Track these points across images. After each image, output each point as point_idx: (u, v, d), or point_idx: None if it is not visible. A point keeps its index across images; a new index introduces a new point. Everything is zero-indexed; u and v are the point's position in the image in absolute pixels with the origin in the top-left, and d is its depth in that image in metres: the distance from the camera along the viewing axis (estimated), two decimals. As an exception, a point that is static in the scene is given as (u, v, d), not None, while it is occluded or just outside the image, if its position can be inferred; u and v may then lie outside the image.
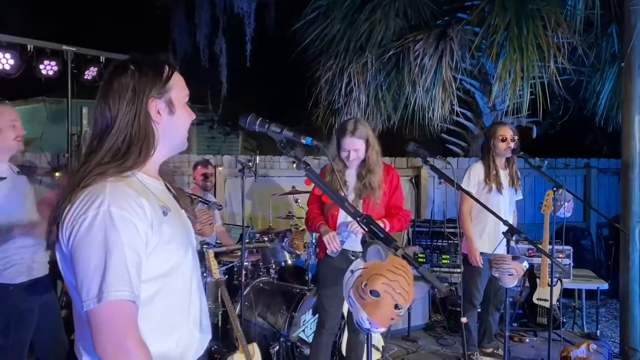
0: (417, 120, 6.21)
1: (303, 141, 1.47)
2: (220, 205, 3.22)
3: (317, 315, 3.76)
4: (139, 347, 1.19)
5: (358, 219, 1.39)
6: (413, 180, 6.33)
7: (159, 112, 1.33)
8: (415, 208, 6.28)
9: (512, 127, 3.88)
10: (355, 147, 2.89)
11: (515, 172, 3.87)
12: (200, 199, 3.25)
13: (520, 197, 3.99)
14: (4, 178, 2.52)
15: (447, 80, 5.76)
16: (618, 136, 4.48)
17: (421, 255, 5.07)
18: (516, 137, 3.77)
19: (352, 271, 1.34)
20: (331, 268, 2.96)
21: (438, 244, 5.07)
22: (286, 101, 8.97)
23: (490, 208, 3.37)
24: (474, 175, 3.80)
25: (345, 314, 3.38)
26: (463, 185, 3.79)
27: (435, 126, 6.17)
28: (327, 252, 2.92)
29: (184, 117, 1.39)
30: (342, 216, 2.94)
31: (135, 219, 1.21)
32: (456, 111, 6.25)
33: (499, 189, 3.75)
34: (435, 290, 4.88)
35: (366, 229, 1.38)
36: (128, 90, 1.29)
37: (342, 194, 2.75)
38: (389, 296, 1.27)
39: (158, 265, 1.27)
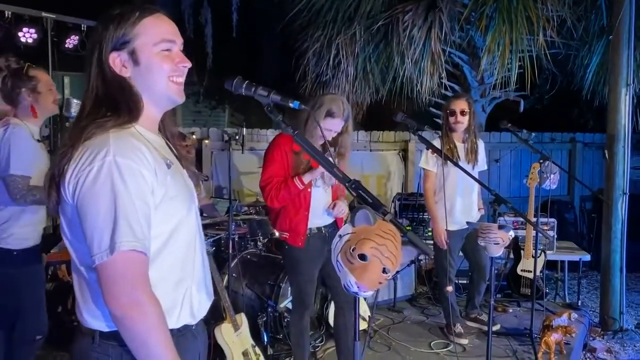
0: (406, 94, 6.16)
1: (291, 105, 1.44)
2: (207, 177, 3.19)
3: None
4: (152, 299, 1.16)
5: (347, 184, 1.37)
6: (400, 154, 6.34)
7: (124, 66, 1.27)
8: (402, 181, 6.30)
9: (468, 99, 3.76)
10: (338, 128, 2.82)
11: (472, 146, 3.73)
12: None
13: (483, 168, 3.88)
14: (41, 140, 2.61)
15: (436, 53, 5.70)
16: (604, 111, 4.50)
17: (408, 227, 5.10)
18: (468, 110, 3.65)
19: (340, 236, 1.34)
20: (309, 253, 2.83)
21: (424, 216, 5.10)
22: (273, 73, 8.84)
23: (448, 182, 3.38)
24: (430, 151, 3.63)
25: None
26: (422, 162, 3.76)
27: (423, 99, 6.13)
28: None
29: (156, 66, 1.26)
30: (318, 194, 2.83)
31: (142, 168, 1.17)
32: (444, 84, 6.21)
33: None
34: (424, 256, 4.96)
35: (355, 194, 1.37)
36: (95, 50, 1.27)
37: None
38: (377, 260, 1.27)
39: (165, 219, 1.24)
